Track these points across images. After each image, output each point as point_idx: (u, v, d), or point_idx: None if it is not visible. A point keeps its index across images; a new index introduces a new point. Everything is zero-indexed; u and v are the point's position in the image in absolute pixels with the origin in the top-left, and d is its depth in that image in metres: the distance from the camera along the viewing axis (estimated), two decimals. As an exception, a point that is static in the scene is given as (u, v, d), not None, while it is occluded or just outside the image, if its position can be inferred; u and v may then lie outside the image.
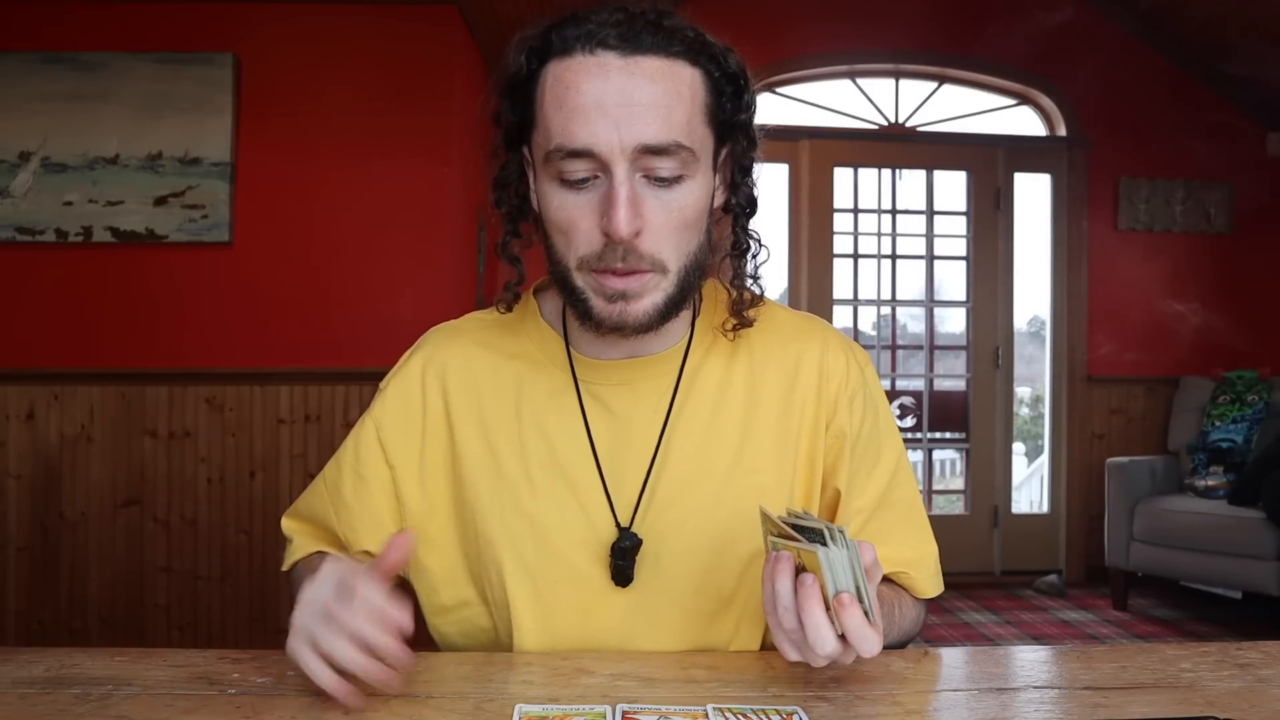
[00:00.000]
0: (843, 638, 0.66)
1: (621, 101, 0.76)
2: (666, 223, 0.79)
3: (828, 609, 0.66)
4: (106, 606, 2.94)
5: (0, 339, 2.93)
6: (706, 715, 0.66)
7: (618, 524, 0.86)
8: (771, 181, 4.32)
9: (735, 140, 0.85)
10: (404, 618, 0.66)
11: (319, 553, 0.94)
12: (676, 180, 0.79)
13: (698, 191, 0.81)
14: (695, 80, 0.80)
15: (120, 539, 2.94)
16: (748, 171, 0.87)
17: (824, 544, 0.65)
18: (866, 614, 0.65)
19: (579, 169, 0.78)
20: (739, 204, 0.87)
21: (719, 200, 0.87)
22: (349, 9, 3.01)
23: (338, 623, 0.66)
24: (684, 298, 0.83)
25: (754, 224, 0.89)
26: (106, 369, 2.94)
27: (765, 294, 0.90)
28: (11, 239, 2.91)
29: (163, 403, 2.96)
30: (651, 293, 0.80)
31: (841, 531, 0.66)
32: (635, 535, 0.85)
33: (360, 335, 2.97)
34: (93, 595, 2.94)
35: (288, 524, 0.98)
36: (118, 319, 2.96)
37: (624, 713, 0.67)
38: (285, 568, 0.97)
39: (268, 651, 0.81)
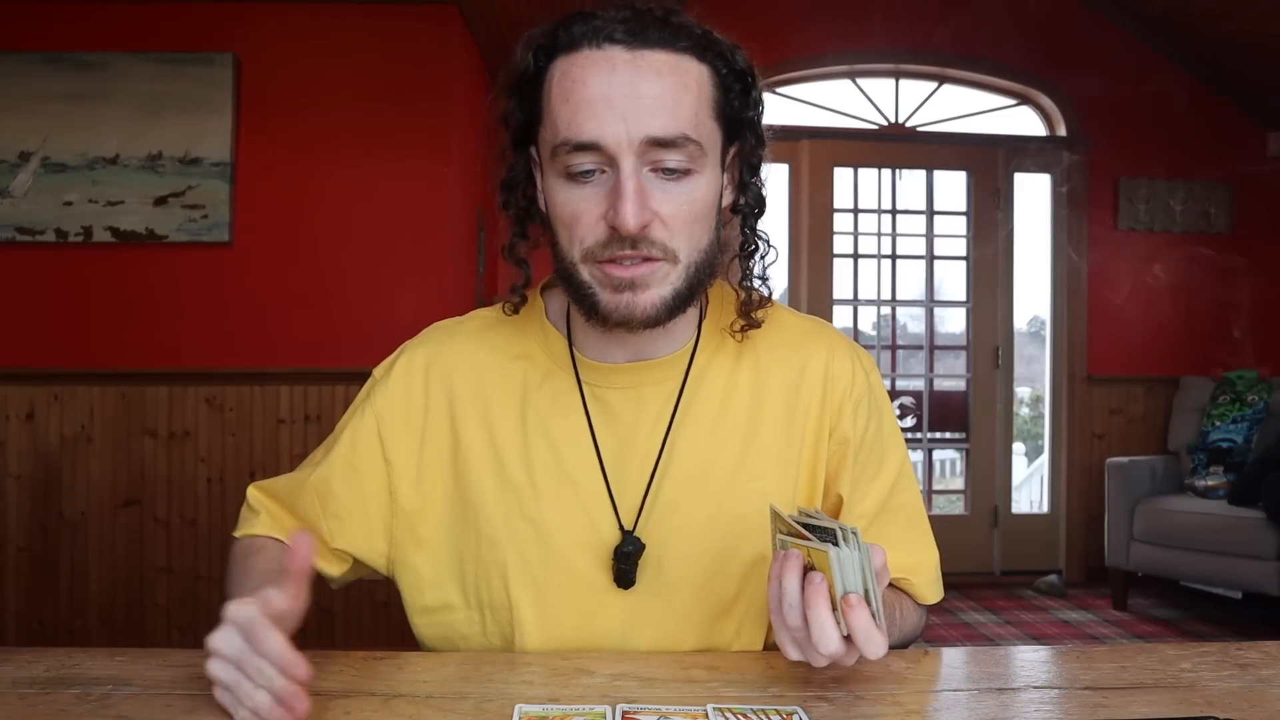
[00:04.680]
0: (847, 639, 0.65)
1: (628, 95, 0.76)
2: (676, 215, 0.78)
3: (834, 609, 0.65)
4: (106, 606, 2.94)
5: (0, 339, 2.93)
6: (706, 715, 0.66)
7: (621, 527, 0.85)
8: (771, 181, 4.31)
9: (743, 139, 0.85)
10: (305, 669, 0.63)
11: (273, 538, 0.93)
12: (685, 173, 0.78)
13: (706, 187, 0.80)
14: (703, 75, 0.80)
15: (120, 539, 2.94)
16: (756, 170, 0.86)
17: (835, 544, 0.65)
18: (874, 616, 0.65)
19: (585, 162, 0.77)
20: (748, 203, 0.87)
21: (727, 200, 0.86)
22: (349, 9, 3.01)
23: (252, 678, 0.64)
24: (692, 294, 0.82)
25: (759, 224, 0.89)
26: (106, 369, 2.94)
27: (772, 295, 0.89)
28: (11, 239, 2.91)
29: (163, 403, 2.96)
30: (660, 284, 0.79)
31: (855, 533, 0.65)
32: (638, 539, 0.85)
33: (360, 335, 2.96)
34: (93, 595, 2.93)
35: (257, 497, 0.95)
36: (118, 319, 2.95)
37: (624, 713, 0.66)
38: (239, 534, 0.95)
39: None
